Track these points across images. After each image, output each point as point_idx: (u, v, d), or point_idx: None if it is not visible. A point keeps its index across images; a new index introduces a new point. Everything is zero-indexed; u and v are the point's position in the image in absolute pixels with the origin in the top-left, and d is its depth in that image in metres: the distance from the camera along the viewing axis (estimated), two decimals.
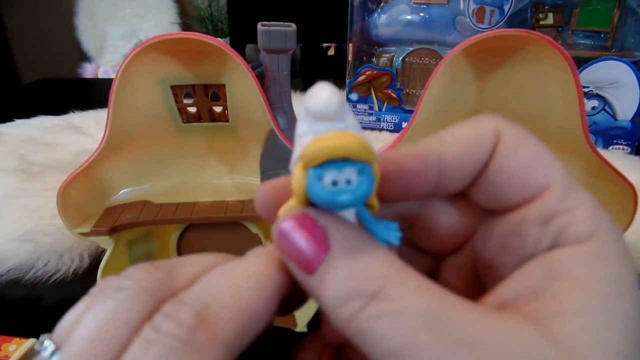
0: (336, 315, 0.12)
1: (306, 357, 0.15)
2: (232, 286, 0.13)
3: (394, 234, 0.14)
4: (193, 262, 0.15)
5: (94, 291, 0.14)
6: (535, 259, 0.12)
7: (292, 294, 0.14)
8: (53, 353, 0.13)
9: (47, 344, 0.13)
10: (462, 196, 0.15)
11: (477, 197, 0.14)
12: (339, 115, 0.13)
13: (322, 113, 0.13)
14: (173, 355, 0.11)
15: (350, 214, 0.14)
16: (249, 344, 0.13)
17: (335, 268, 0.12)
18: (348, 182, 0.12)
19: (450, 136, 0.14)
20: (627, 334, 0.11)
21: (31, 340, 0.28)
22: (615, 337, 0.11)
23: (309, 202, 0.13)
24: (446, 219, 0.16)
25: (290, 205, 0.14)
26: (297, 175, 0.13)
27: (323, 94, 0.12)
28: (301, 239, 0.13)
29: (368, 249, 0.12)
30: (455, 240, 0.16)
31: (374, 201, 0.14)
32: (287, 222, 0.13)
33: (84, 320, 0.13)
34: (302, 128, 0.13)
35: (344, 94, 0.77)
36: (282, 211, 0.14)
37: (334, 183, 0.13)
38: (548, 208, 0.12)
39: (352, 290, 0.12)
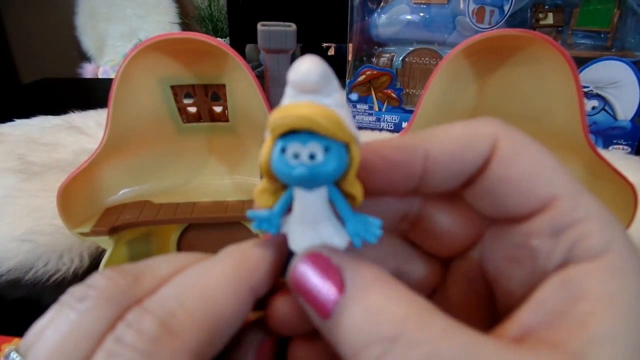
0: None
1: (245, 348, 0.14)
2: (200, 290, 0.12)
3: (373, 231, 0.12)
4: (161, 264, 0.14)
5: (60, 300, 0.13)
6: (550, 278, 0.12)
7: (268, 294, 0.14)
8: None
9: (14, 356, 0.13)
10: (464, 201, 0.14)
11: (478, 205, 0.14)
12: (325, 91, 0.12)
13: (302, 83, 0.11)
14: None
15: (319, 197, 0.12)
16: (222, 348, 0.13)
17: (351, 310, 0.11)
18: (312, 157, 0.11)
19: (442, 132, 0.13)
20: None
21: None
22: None
23: (275, 178, 0.13)
24: (448, 221, 0.15)
25: (262, 184, 0.13)
26: (265, 147, 0.13)
27: (304, 64, 0.11)
28: (315, 281, 0.12)
29: (386, 287, 0.11)
30: (458, 244, 0.15)
31: (356, 190, 0.12)
32: (301, 263, 0.12)
33: (45, 333, 0.12)
34: (284, 101, 0.12)
35: (344, 93, 0.77)
36: (258, 187, 0.14)
37: (296, 156, 0.11)
38: (558, 220, 0.12)
39: (371, 335, 0.10)
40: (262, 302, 0.14)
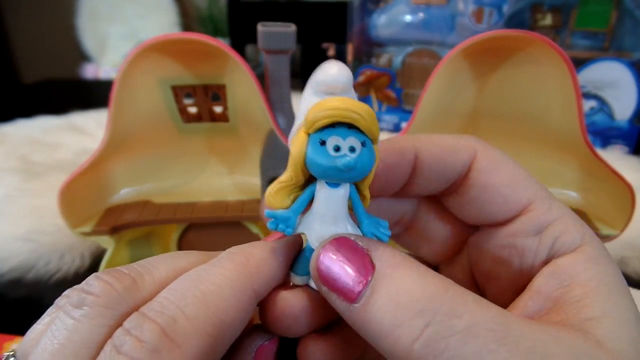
0: (393, 339, 0.10)
1: (244, 350, 0.14)
2: (202, 295, 0.12)
3: (383, 231, 0.13)
4: (160, 264, 0.13)
5: (56, 303, 0.13)
6: (541, 270, 0.13)
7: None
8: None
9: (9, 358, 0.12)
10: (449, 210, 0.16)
11: (463, 214, 0.15)
12: (349, 93, 0.12)
13: (332, 84, 0.12)
14: None
15: (342, 195, 0.13)
16: (224, 354, 0.12)
17: (384, 288, 0.11)
18: (351, 149, 0.12)
19: (429, 138, 0.15)
20: (638, 324, 0.12)
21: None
22: (635, 329, 0.12)
23: (305, 173, 0.13)
24: (439, 226, 0.16)
25: (283, 180, 0.13)
26: (297, 141, 0.13)
27: (333, 67, 0.12)
28: (340, 264, 0.12)
29: (415, 265, 0.11)
30: (447, 249, 0.16)
31: (366, 192, 0.13)
32: (327, 248, 0.12)
33: (43, 341, 0.12)
34: (310, 100, 0.12)
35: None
36: (272, 187, 0.13)
37: (336, 149, 0.12)
38: (538, 220, 0.13)
39: (408, 310, 0.10)
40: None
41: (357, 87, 0.74)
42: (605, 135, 0.65)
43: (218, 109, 0.32)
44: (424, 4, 0.67)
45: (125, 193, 0.34)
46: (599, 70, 0.61)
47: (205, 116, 0.32)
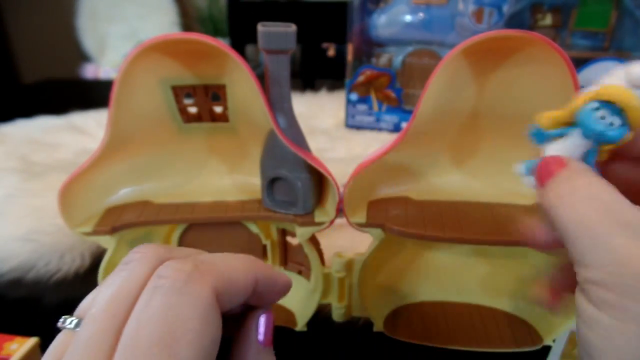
0: (551, 187, 0.17)
1: (250, 323, 0.18)
2: (222, 259, 0.17)
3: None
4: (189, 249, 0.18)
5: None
6: None
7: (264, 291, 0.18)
8: (77, 324, 0.16)
9: (70, 319, 0.16)
10: None
11: None
12: None
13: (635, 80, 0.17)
14: (175, 294, 0.15)
15: (586, 144, 0.18)
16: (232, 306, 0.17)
17: (565, 171, 0.17)
18: (611, 124, 0.17)
19: None
20: None
21: (33, 339, 0.28)
22: None
23: (569, 120, 0.18)
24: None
25: (555, 115, 0.19)
26: (578, 99, 0.18)
27: None
28: (553, 162, 0.18)
29: (583, 169, 0.17)
30: None
31: (606, 154, 0.18)
32: (546, 158, 0.18)
33: (100, 291, 0.16)
34: (611, 81, 0.18)
35: (343, 93, 0.77)
36: (546, 116, 0.19)
37: (602, 117, 0.17)
38: None
39: (567, 188, 0.16)
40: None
41: (357, 87, 0.74)
42: None
43: (218, 109, 0.32)
44: (424, 4, 0.67)
45: (125, 193, 0.34)
46: (599, 70, 0.61)
47: (206, 116, 0.32)
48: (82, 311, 0.16)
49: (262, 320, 0.18)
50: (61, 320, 0.16)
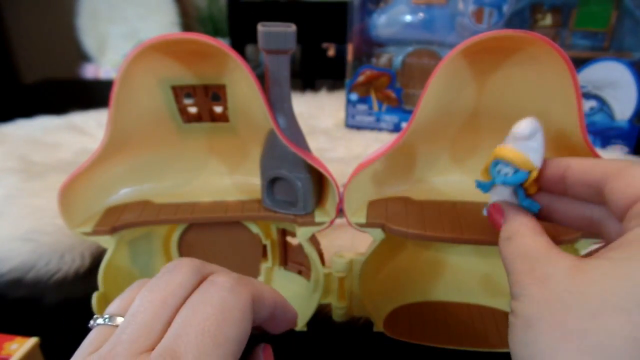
0: (499, 244, 0.22)
1: (256, 353, 0.21)
2: (253, 279, 0.20)
3: (534, 207, 0.24)
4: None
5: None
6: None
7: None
8: (111, 320, 0.18)
9: (102, 317, 0.18)
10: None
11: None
12: (532, 138, 0.22)
13: (518, 135, 0.23)
14: (227, 291, 0.18)
15: (508, 189, 0.24)
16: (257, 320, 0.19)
17: (504, 226, 0.22)
18: (506, 174, 0.23)
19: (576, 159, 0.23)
20: None
21: (33, 339, 0.28)
22: None
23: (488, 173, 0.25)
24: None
25: (482, 169, 0.25)
26: (488, 160, 0.24)
27: (524, 123, 0.23)
28: (495, 213, 0.24)
29: (517, 218, 0.22)
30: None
31: (532, 187, 0.24)
32: (491, 207, 0.24)
33: (145, 288, 0.18)
34: (508, 141, 0.23)
35: (343, 93, 0.77)
36: (481, 172, 0.25)
37: (499, 171, 0.24)
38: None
39: (504, 235, 0.22)
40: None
41: (357, 87, 0.74)
42: (605, 135, 0.65)
43: (218, 109, 0.32)
44: (424, 4, 0.67)
45: (125, 193, 0.34)
46: (599, 70, 0.61)
47: (205, 116, 0.32)
48: (117, 310, 0.18)
49: (263, 351, 0.21)
50: (92, 320, 0.18)
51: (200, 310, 0.17)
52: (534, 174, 0.23)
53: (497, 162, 0.23)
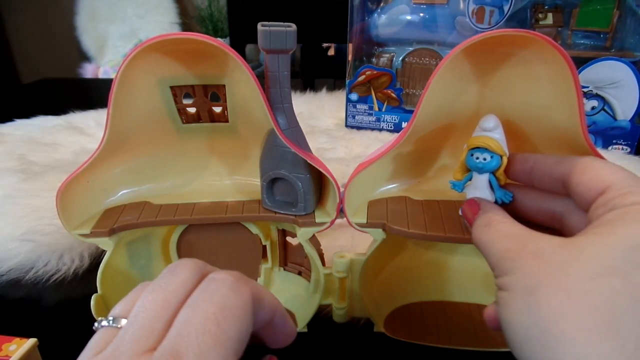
0: (475, 232, 0.23)
1: None
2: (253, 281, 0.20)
3: (508, 196, 0.26)
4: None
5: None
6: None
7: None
8: (115, 321, 0.18)
9: (106, 319, 0.18)
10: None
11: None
12: (495, 130, 0.26)
13: (484, 127, 0.26)
14: (228, 288, 0.18)
15: (484, 178, 0.26)
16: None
17: (480, 216, 0.24)
18: (484, 159, 0.26)
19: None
20: None
21: (31, 340, 0.28)
22: None
23: (466, 168, 0.27)
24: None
25: (458, 169, 0.28)
26: (463, 152, 0.27)
27: (489, 118, 0.26)
28: (469, 208, 0.25)
29: (492, 209, 0.24)
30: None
31: (502, 176, 0.26)
32: (465, 204, 0.26)
33: (147, 289, 0.18)
34: (477, 134, 0.26)
35: (343, 93, 0.77)
36: (454, 172, 0.28)
37: (477, 158, 0.26)
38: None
39: (481, 223, 0.23)
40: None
41: (357, 86, 0.74)
42: (606, 135, 0.65)
43: (217, 109, 0.32)
44: (425, 3, 0.67)
45: (124, 194, 0.34)
46: (601, 70, 0.61)
47: (205, 116, 0.32)
48: (121, 312, 0.18)
49: None
50: (96, 322, 0.18)
51: (200, 308, 0.17)
52: (505, 160, 0.26)
53: (472, 152, 0.26)
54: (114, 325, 0.18)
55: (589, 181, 0.21)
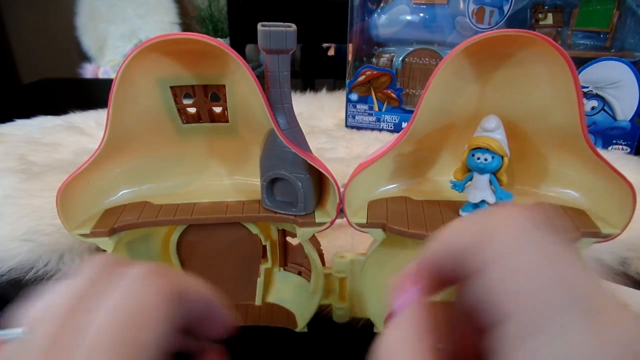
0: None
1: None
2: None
3: (508, 197, 0.26)
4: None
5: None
6: None
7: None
8: (24, 332, 0.16)
9: (14, 330, 0.17)
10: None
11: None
12: (497, 131, 0.26)
13: (486, 127, 0.26)
14: (138, 284, 0.17)
15: (485, 179, 0.26)
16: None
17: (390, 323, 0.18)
18: (485, 160, 0.26)
19: None
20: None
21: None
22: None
23: (467, 168, 0.27)
24: None
25: (459, 169, 0.28)
26: (464, 152, 0.27)
27: (491, 118, 0.26)
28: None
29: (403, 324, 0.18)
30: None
31: (504, 177, 0.27)
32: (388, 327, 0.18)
33: (49, 293, 0.18)
34: (478, 134, 0.27)
35: (344, 93, 0.77)
36: (455, 172, 0.28)
37: (478, 158, 0.26)
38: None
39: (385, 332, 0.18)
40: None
41: (357, 86, 0.74)
42: (606, 135, 0.65)
43: (217, 110, 0.32)
44: (425, 3, 0.67)
45: (124, 194, 0.34)
46: (601, 70, 0.61)
47: (205, 117, 0.32)
48: (30, 318, 0.17)
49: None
50: (2, 333, 0.16)
51: (95, 318, 0.15)
52: (506, 161, 0.26)
53: (473, 152, 0.26)
54: (20, 335, 0.17)
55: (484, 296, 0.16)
